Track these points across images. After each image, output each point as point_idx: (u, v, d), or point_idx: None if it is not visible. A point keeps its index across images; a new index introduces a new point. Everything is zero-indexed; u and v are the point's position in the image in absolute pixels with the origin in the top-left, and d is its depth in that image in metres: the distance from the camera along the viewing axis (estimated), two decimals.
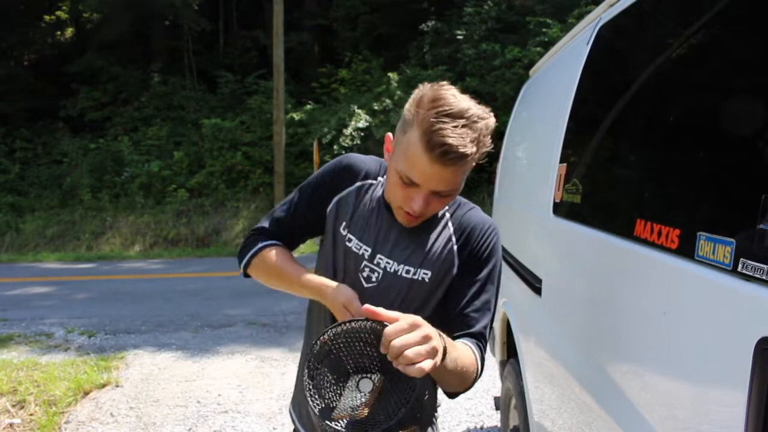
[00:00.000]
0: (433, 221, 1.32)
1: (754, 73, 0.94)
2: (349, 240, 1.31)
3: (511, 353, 2.69)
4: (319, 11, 16.77)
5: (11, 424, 3.50)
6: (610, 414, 1.25)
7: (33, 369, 4.36)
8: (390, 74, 13.11)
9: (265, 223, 1.40)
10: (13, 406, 3.73)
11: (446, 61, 13.56)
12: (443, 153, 1.10)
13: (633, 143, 1.42)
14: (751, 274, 0.82)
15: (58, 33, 18.83)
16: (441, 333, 1.08)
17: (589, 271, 1.54)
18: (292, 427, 1.55)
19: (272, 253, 1.35)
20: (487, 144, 1.16)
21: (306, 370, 1.07)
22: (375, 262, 1.30)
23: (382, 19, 15.49)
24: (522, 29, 13.35)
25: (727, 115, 0.98)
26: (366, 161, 1.38)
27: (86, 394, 4.02)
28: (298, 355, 4.96)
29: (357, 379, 1.06)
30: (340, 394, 1.06)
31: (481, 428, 3.51)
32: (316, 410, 1.05)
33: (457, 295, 1.30)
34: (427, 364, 0.96)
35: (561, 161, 1.89)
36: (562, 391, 1.65)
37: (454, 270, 1.31)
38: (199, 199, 12.73)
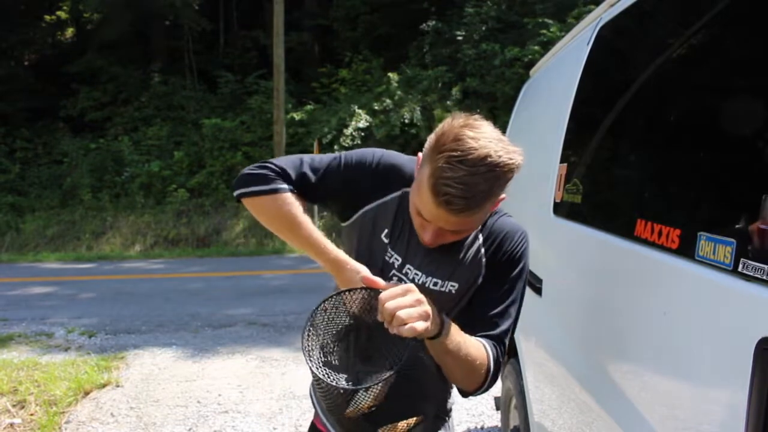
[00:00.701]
0: (468, 244, 1.29)
1: (754, 73, 0.94)
2: (387, 248, 1.29)
3: (511, 353, 2.69)
4: (319, 11, 16.77)
5: (12, 424, 3.50)
6: (610, 414, 1.25)
7: (33, 369, 4.36)
8: (390, 74, 13.11)
9: (291, 171, 1.28)
10: (14, 405, 3.74)
11: (446, 61, 13.56)
12: (446, 202, 1.05)
13: (633, 143, 1.42)
14: (751, 274, 0.82)
15: (59, 33, 18.83)
16: (444, 314, 1.12)
17: (589, 272, 1.54)
18: (301, 424, 1.54)
19: (291, 201, 1.25)
20: (503, 191, 1.12)
21: (306, 334, 1.11)
22: (404, 272, 1.29)
23: (382, 19, 15.49)
24: (522, 29, 13.36)
25: (727, 115, 0.98)
26: (406, 166, 1.31)
27: (87, 394, 4.02)
28: (298, 355, 4.96)
29: (352, 340, 1.14)
30: (338, 356, 1.14)
31: (482, 428, 3.51)
32: (317, 370, 1.10)
33: (481, 298, 1.28)
34: (419, 325, 1.00)
35: (561, 161, 1.89)
36: (562, 391, 1.65)
37: (480, 279, 1.29)
38: (200, 199, 12.73)
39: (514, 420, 2.50)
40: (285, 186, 1.26)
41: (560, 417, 1.68)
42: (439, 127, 1.12)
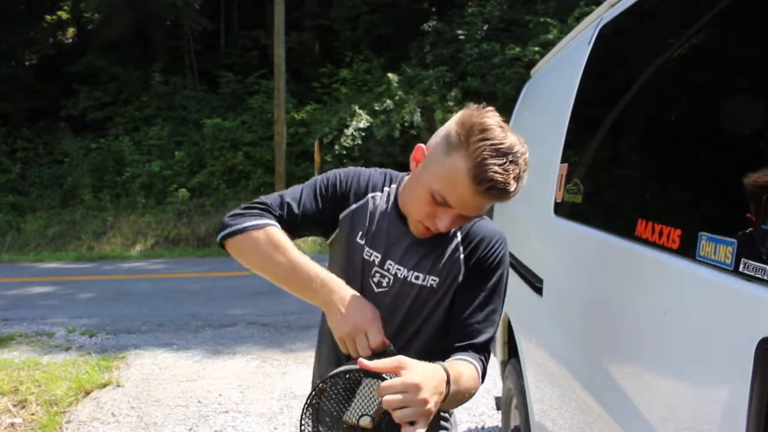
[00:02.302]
0: (445, 242, 1.33)
1: (755, 73, 0.94)
2: (363, 248, 1.32)
3: (512, 353, 2.69)
4: (319, 11, 16.77)
5: (12, 424, 3.50)
6: (611, 414, 1.25)
7: (34, 369, 4.37)
8: (391, 74, 13.11)
9: (274, 205, 1.31)
10: (15, 405, 3.74)
11: (447, 61, 13.55)
12: (489, 188, 1.12)
13: (634, 143, 1.42)
14: (752, 274, 0.82)
15: (59, 33, 18.84)
16: (447, 369, 1.11)
17: (590, 272, 1.54)
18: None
19: (278, 233, 1.26)
20: (525, 179, 1.18)
21: (305, 414, 1.09)
22: (385, 267, 1.31)
23: (382, 19, 15.49)
24: (523, 29, 13.36)
25: (728, 115, 0.98)
26: (372, 174, 1.39)
27: (87, 393, 4.02)
28: (298, 355, 4.97)
29: (357, 418, 1.08)
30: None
31: (482, 428, 3.51)
32: None
33: (462, 305, 1.31)
34: (419, 427, 0.99)
35: (562, 161, 1.89)
36: (563, 391, 1.65)
37: (460, 277, 1.32)
38: (200, 199, 12.73)
39: (515, 420, 2.50)
40: (270, 221, 1.27)
41: (561, 417, 1.68)
42: (458, 121, 1.18)
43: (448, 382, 1.09)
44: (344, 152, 12.17)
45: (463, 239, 1.33)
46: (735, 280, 0.85)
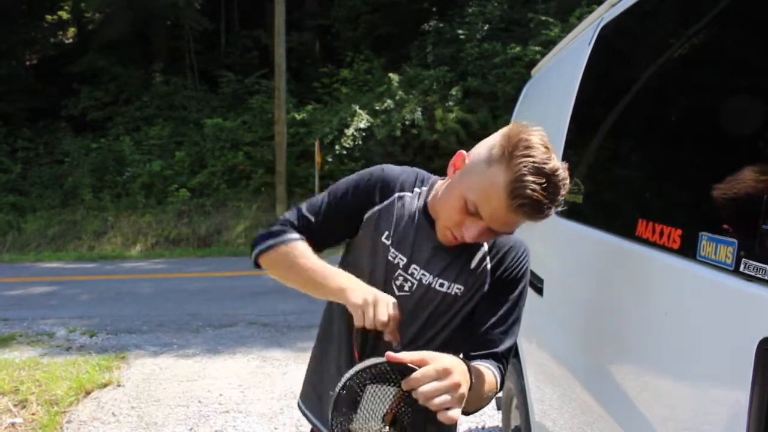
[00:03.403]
0: (472, 252, 1.32)
1: (756, 73, 0.94)
2: (389, 249, 1.30)
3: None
4: (320, 11, 16.76)
5: (13, 424, 3.50)
6: (611, 414, 1.25)
7: (35, 368, 4.37)
8: (391, 74, 13.10)
9: (293, 219, 1.34)
10: (15, 405, 3.74)
11: (448, 61, 13.55)
12: (523, 205, 1.10)
13: (634, 143, 1.42)
14: (753, 274, 0.82)
15: (60, 33, 18.84)
16: (467, 365, 1.09)
17: (590, 272, 1.54)
18: (302, 424, 1.57)
19: (304, 247, 1.29)
20: (562, 203, 1.17)
21: (331, 412, 1.05)
22: (409, 272, 1.29)
23: (383, 18, 15.48)
24: (523, 28, 13.35)
25: (729, 116, 0.98)
26: (402, 173, 1.36)
27: (88, 393, 4.02)
28: (299, 355, 4.96)
29: (382, 417, 1.06)
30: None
31: (483, 428, 3.51)
32: None
33: (484, 315, 1.30)
34: (455, 413, 0.97)
35: (563, 161, 1.88)
36: (563, 391, 1.65)
37: (486, 287, 1.31)
38: (201, 199, 12.73)
39: (515, 420, 2.50)
40: (295, 235, 1.30)
41: (561, 417, 1.68)
42: (504, 134, 1.17)
43: (469, 371, 1.07)
44: (345, 152, 12.16)
45: (489, 249, 1.31)
46: (735, 280, 0.85)
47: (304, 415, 1.53)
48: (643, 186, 1.30)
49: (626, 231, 1.25)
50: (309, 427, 1.56)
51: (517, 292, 1.32)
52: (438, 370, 0.98)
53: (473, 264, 1.30)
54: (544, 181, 1.09)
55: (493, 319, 1.28)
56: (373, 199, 1.32)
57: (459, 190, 1.19)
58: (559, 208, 1.18)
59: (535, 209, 1.11)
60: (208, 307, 6.43)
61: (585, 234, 1.57)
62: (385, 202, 1.32)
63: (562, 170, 1.14)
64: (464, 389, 1.00)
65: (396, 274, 1.29)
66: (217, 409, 3.79)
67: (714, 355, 0.90)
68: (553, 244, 1.97)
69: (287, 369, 4.49)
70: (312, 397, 1.51)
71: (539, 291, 1.97)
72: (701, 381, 0.94)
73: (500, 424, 2.95)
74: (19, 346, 5.12)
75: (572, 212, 1.73)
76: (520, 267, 1.32)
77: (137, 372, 4.46)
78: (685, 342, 0.99)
